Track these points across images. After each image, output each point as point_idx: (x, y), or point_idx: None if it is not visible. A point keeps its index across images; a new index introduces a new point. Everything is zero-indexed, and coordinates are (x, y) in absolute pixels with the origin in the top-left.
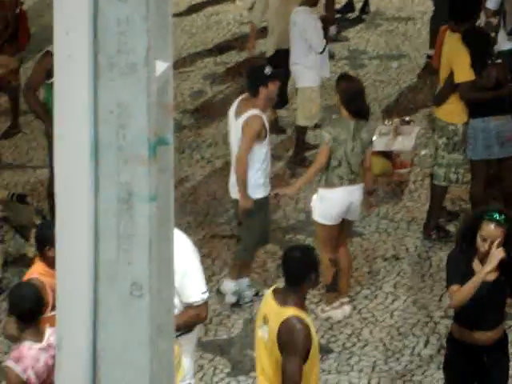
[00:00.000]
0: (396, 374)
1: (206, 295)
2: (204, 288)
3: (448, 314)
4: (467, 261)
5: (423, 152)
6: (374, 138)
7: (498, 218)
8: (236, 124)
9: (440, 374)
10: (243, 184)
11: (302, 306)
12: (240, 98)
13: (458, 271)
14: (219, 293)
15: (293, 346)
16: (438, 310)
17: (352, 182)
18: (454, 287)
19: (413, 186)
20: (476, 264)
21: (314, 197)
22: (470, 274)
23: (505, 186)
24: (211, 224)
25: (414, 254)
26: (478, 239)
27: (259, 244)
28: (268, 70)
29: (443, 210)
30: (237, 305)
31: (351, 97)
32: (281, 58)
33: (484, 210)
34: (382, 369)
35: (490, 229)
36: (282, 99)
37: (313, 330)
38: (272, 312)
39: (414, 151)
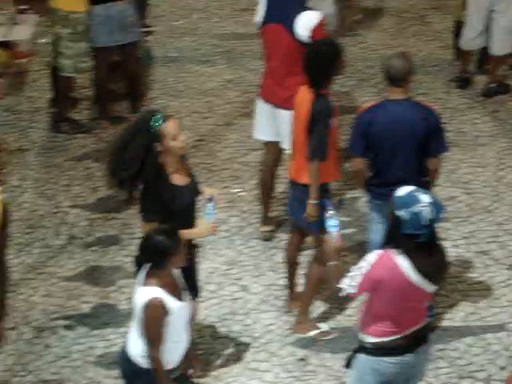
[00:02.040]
0: (29, 267)
1: None
2: None
3: (76, 204)
4: (164, 182)
5: (43, 40)
6: None
7: (164, 114)
8: None
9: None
10: None
11: None
12: None
13: (158, 204)
14: None
15: None
16: (67, 200)
17: None
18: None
19: (34, 75)
20: (176, 177)
21: None
22: (174, 189)
23: (128, 70)
24: None
25: (40, 145)
26: (170, 143)
27: None
28: None
29: (71, 99)
30: None
31: None
32: None
33: (146, 118)
34: (14, 262)
35: (174, 124)
36: None
37: None
38: None
39: (32, 40)
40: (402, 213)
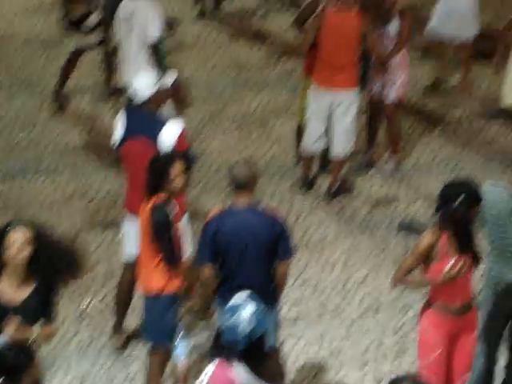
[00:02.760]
0: None
1: None
2: None
3: None
4: None
5: None
6: None
7: (19, 223)
8: None
9: None
10: None
11: None
12: None
13: None
14: None
15: None
16: None
17: None
18: None
19: None
20: (3, 288)
21: None
22: None
23: None
24: None
25: None
26: (3, 249)
27: None
28: None
29: None
30: None
31: None
32: None
33: (8, 223)
34: None
35: (16, 235)
36: None
37: None
38: None
39: None
40: (222, 321)
